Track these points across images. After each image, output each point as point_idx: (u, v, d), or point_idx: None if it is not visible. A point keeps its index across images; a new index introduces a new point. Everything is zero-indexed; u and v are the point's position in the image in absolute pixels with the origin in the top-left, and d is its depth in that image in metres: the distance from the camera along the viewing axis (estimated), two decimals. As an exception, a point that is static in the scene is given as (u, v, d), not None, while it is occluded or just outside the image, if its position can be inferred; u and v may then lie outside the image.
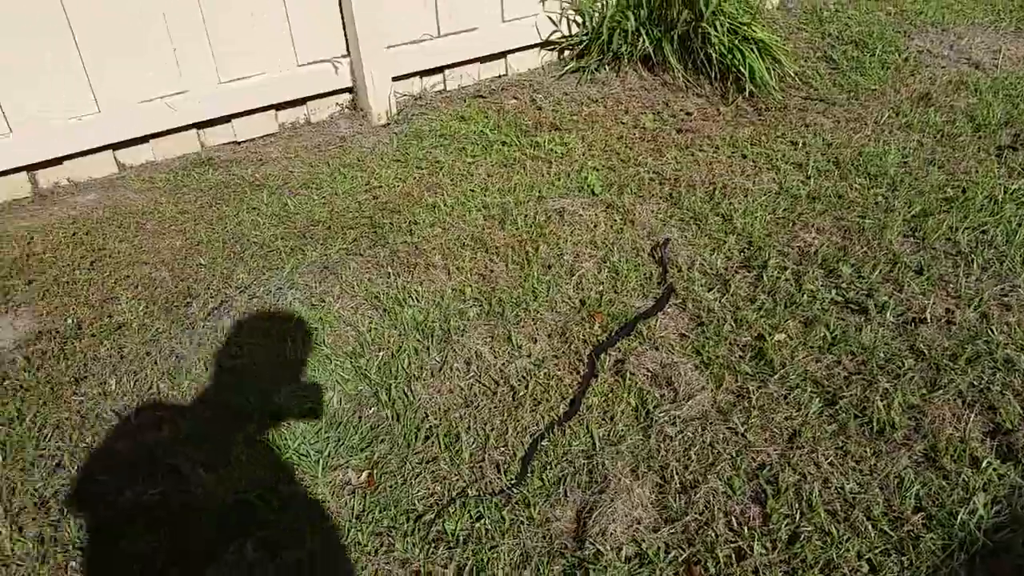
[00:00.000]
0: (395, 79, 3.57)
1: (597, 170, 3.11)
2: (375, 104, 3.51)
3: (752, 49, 3.67)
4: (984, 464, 1.81)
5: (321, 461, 1.90)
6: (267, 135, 3.44)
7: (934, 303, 2.27)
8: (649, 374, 2.12)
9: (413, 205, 2.94)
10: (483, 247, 2.67)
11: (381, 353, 2.24)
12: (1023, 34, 3.98)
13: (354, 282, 2.53)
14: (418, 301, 2.43)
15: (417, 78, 3.73)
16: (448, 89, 3.83)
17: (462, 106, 3.67)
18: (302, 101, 3.49)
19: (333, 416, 2.04)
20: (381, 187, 3.08)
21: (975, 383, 2.01)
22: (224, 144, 3.36)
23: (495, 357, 2.21)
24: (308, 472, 1.88)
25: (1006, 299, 2.26)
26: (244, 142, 3.39)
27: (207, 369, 2.20)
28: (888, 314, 2.26)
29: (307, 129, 3.53)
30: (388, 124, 3.56)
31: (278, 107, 3.42)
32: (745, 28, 3.69)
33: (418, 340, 2.28)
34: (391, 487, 1.85)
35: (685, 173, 3.04)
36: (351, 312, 2.41)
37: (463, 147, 3.34)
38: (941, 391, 1.99)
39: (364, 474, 1.88)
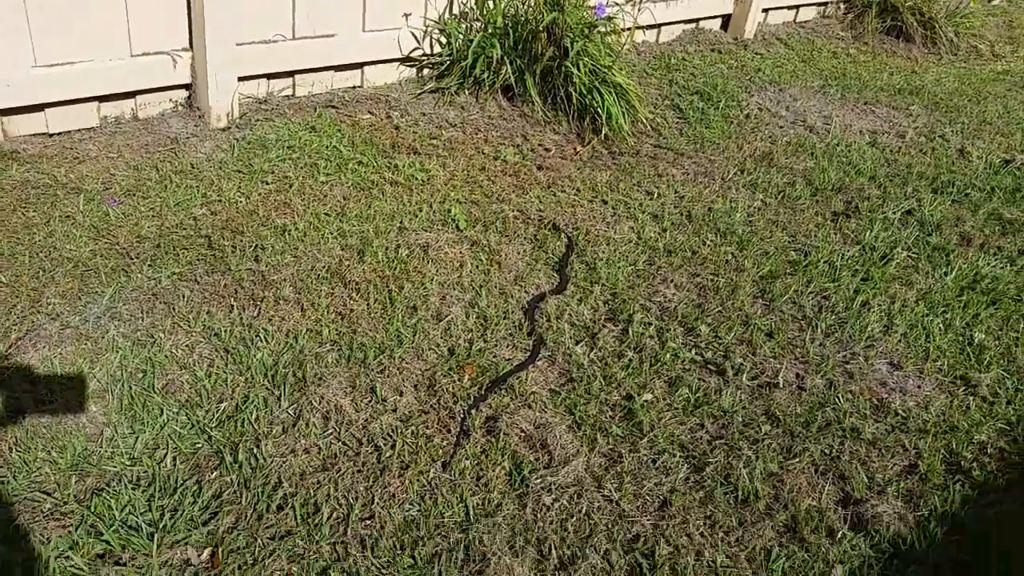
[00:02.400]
0: (240, 79, 3.26)
1: (461, 203, 3.00)
2: (215, 105, 3.17)
3: (611, 92, 3.72)
4: (839, 535, 1.88)
5: (155, 536, 1.63)
6: (85, 129, 3.00)
7: (785, 368, 2.36)
8: (523, 434, 2.03)
9: (259, 226, 2.67)
10: (341, 281, 2.47)
11: (223, 404, 1.98)
12: (847, 102, 4.34)
13: (190, 315, 2.24)
14: (267, 342, 2.19)
15: (264, 80, 3.43)
16: (297, 95, 3.56)
17: (312, 115, 3.42)
18: (131, 94, 3.08)
19: (167, 480, 1.76)
20: (221, 202, 2.77)
21: (826, 452, 2.10)
22: (32, 136, 2.89)
23: (357, 411, 2.03)
24: (140, 549, 1.61)
25: (848, 367, 2.40)
26: (57, 135, 2.93)
27: (8, 413, 1.84)
28: (744, 377, 2.32)
29: (133, 125, 3.13)
30: (228, 128, 3.24)
31: (102, 99, 3.00)
32: (605, 71, 3.74)
33: (267, 389, 2.04)
34: (239, 567, 1.62)
35: (549, 215, 3.00)
36: (186, 352, 2.12)
37: (315, 163, 3.10)
38: (797, 459, 2.06)
39: (206, 552, 1.64)
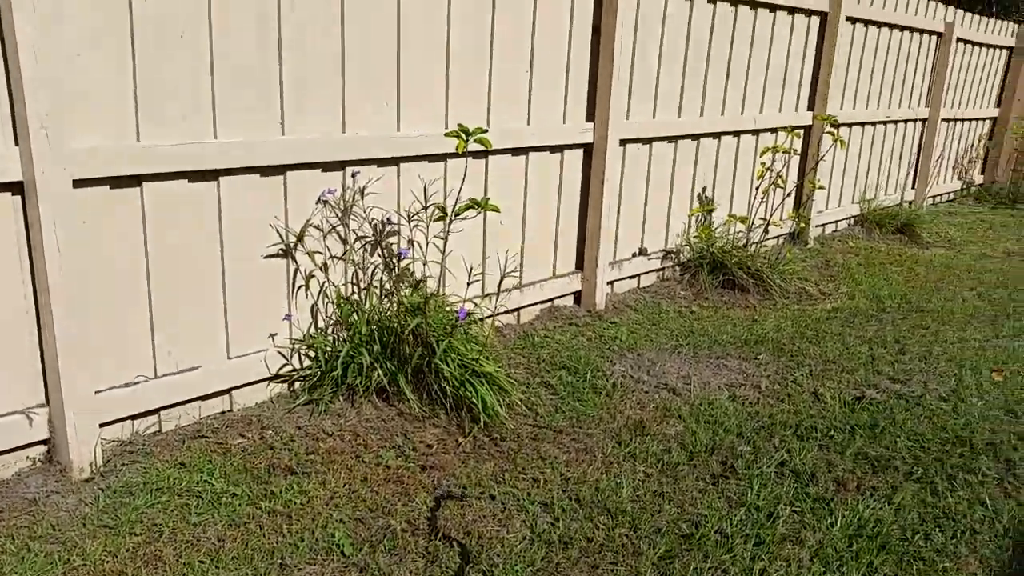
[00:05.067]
0: (103, 425, 3.15)
1: (344, 523, 2.88)
2: (77, 457, 3.02)
3: (482, 382, 3.85)
4: None
5: None
6: (-77, 506, 2.76)
7: (703, 660, 2.29)
8: None
9: (125, 591, 2.45)
10: (220, 645, 2.25)
11: None
12: (700, 359, 4.66)
13: None
14: None
15: (128, 421, 3.33)
16: (164, 431, 3.46)
17: (181, 450, 3.31)
18: (-21, 459, 2.90)
19: None
20: (86, 565, 2.55)
21: None
22: None
23: None
24: None
25: (763, 648, 2.35)
26: None
27: None
28: None
29: (-19, 492, 2.91)
30: (92, 478, 3.06)
31: (-56, 470, 2.80)
32: (474, 363, 3.89)
33: None
34: None
35: (439, 527, 2.93)
36: None
37: (186, 503, 2.94)
38: None
39: None
